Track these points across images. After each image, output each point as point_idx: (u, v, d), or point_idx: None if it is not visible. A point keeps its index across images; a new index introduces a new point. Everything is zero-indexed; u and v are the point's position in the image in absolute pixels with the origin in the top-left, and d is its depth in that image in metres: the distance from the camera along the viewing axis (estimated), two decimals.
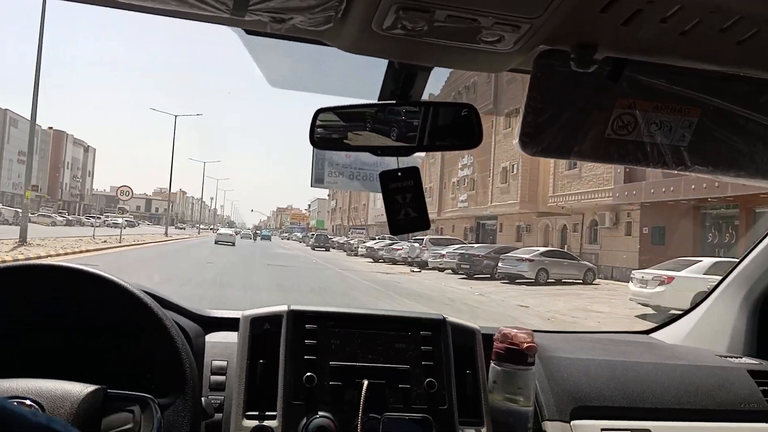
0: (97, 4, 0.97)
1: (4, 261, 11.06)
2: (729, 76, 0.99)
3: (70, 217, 59.63)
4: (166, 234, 53.34)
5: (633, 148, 1.04)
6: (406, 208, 1.18)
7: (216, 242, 42.75)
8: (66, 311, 1.30)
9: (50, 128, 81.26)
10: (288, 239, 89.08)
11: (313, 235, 62.77)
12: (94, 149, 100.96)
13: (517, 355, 1.38)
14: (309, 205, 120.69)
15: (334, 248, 50.55)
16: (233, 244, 42.66)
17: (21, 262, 1.29)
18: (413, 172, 1.19)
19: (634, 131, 1.03)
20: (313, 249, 48.68)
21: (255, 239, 69.79)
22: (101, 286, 1.27)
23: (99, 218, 57.20)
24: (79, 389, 1.09)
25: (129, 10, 0.97)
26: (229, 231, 51.38)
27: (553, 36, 0.91)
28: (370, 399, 1.33)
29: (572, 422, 1.49)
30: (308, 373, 1.36)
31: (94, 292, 1.28)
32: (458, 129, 1.19)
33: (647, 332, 2.22)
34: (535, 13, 0.84)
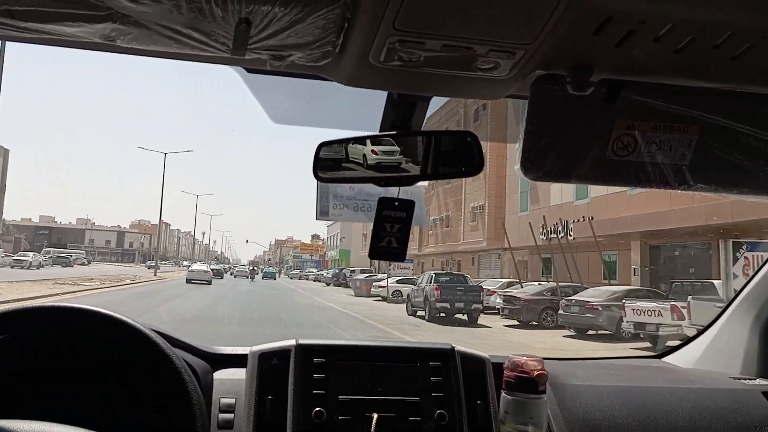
0: (100, 50, 0.99)
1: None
2: (726, 93, 1.00)
3: None
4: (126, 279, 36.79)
5: (634, 169, 1.04)
6: (391, 237, 1.20)
7: (188, 281, 36.10)
8: (75, 351, 1.29)
9: None
10: (300, 278, 68.52)
11: (337, 272, 49.83)
12: (6, 150, 64.13)
13: (528, 383, 1.36)
14: (321, 236, 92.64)
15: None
16: (209, 283, 36.38)
17: (31, 305, 1.29)
18: (409, 206, 1.21)
19: (634, 152, 1.03)
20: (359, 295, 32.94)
21: (253, 278, 54.54)
22: (110, 325, 1.26)
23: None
24: None
25: (130, 54, 0.99)
26: (203, 267, 42.58)
27: (549, 60, 0.91)
28: None
29: None
30: (317, 408, 1.34)
31: (102, 332, 1.27)
32: (460, 156, 1.20)
33: (659, 356, 2.19)
34: (529, 39, 0.85)
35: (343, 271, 48.03)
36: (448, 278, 23.04)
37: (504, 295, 21.24)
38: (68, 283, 26.62)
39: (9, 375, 1.26)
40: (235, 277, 59.53)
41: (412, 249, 44.18)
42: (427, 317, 20.73)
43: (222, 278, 50.71)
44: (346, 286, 41.43)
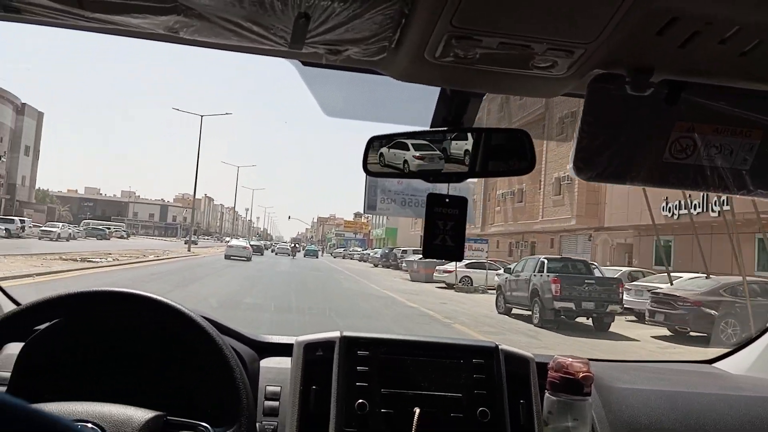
0: (164, 41, 1.02)
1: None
2: None
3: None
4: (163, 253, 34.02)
5: (692, 173, 1.02)
6: (445, 235, 1.20)
7: (226, 257, 33.97)
8: (129, 336, 1.34)
9: None
10: (343, 257, 62.39)
11: (386, 252, 44.63)
12: (40, 114, 57.85)
13: (573, 384, 1.34)
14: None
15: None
16: (248, 259, 34.08)
17: (85, 290, 1.33)
18: (461, 202, 1.20)
19: (693, 155, 1.01)
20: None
21: (294, 255, 52.56)
22: (162, 311, 1.30)
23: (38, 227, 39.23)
24: (141, 415, 1.12)
25: (192, 45, 1.02)
26: (242, 243, 39.89)
27: (608, 60, 0.90)
28: (421, 427, 1.31)
29: None
30: (360, 400, 1.36)
31: (155, 318, 1.31)
32: (511, 154, 1.19)
33: (710, 362, 2.13)
34: (589, 38, 0.84)
35: (393, 251, 43.35)
36: (567, 266, 16.61)
37: (654, 294, 14.26)
38: (75, 259, 21.96)
39: (64, 358, 1.32)
40: (276, 254, 54.74)
41: (473, 229, 40.88)
42: (537, 321, 14.45)
43: (262, 255, 47.69)
44: (397, 267, 37.66)
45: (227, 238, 56.75)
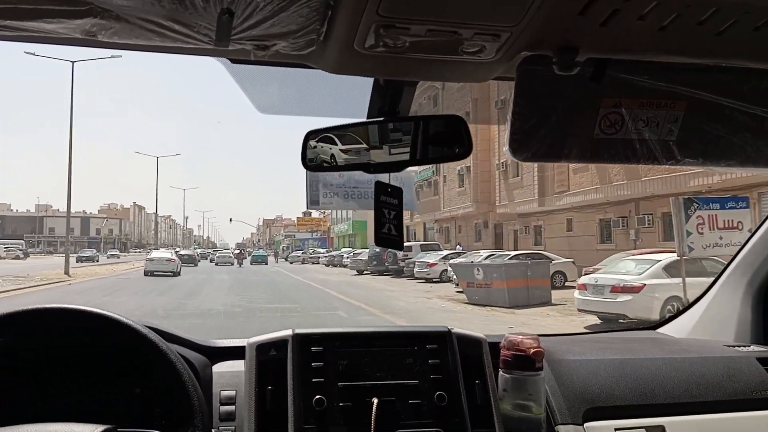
0: (82, 46, 0.98)
1: None
2: (711, 68, 1.00)
3: None
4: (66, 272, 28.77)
5: (622, 147, 1.05)
6: (390, 224, 1.21)
7: (146, 273, 28.63)
8: (71, 352, 1.29)
9: None
10: (303, 262, 52.05)
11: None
12: None
13: (525, 361, 1.38)
14: (315, 213, 69.29)
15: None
16: (175, 274, 28.74)
17: (23, 308, 1.28)
18: (398, 193, 1.22)
19: (621, 129, 1.04)
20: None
21: (240, 263, 45.33)
22: (103, 324, 1.26)
23: None
24: (90, 430, 1.08)
25: (112, 48, 0.98)
26: (166, 254, 33.05)
27: (534, 41, 0.92)
28: (381, 417, 1.32)
29: (585, 424, 1.48)
30: (317, 396, 1.35)
31: (98, 331, 1.27)
32: (448, 140, 1.20)
33: (654, 328, 2.22)
34: (513, 21, 0.85)
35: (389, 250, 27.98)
36: None
37: None
38: None
39: (7, 378, 1.26)
40: (216, 264, 46.60)
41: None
42: None
43: (195, 266, 41.58)
44: (398, 273, 28.47)
45: (161, 249, 44.15)
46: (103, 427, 1.09)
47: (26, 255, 55.05)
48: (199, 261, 47.36)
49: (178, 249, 54.25)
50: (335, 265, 41.82)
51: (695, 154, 1.07)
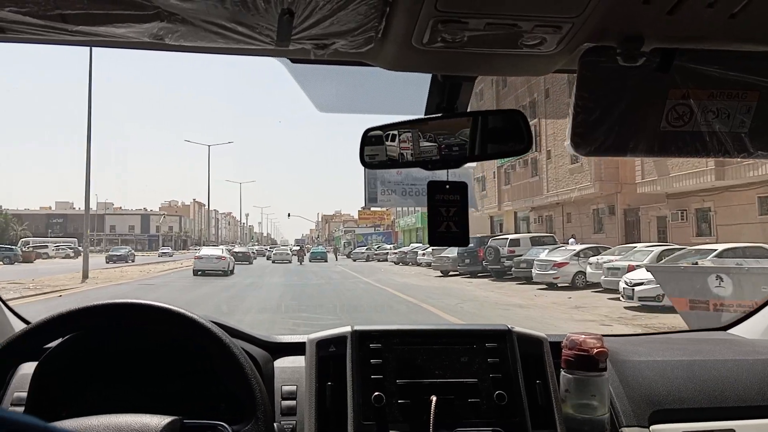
0: (150, 49, 1.02)
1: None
2: None
3: None
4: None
5: (691, 139, 1.01)
6: (449, 222, 1.20)
7: (195, 272, 26.44)
8: (140, 347, 1.35)
9: None
10: (367, 259, 46.50)
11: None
12: None
13: (588, 361, 1.34)
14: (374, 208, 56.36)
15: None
16: (226, 273, 26.60)
17: (94, 303, 1.32)
18: (461, 187, 1.20)
19: (690, 121, 1.00)
20: None
21: (301, 261, 41.26)
22: (171, 319, 1.31)
23: None
24: (157, 422, 1.12)
25: (179, 51, 1.01)
26: (215, 252, 29.72)
27: (597, 33, 0.89)
28: (440, 415, 1.31)
29: (651, 427, 1.43)
30: (376, 393, 1.36)
31: (164, 326, 1.32)
32: (508, 136, 1.19)
33: (724, 328, 2.13)
34: (576, 12, 0.83)
35: (492, 244, 23.76)
36: None
37: None
38: None
39: (78, 374, 1.33)
40: (273, 262, 42.70)
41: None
42: None
43: (250, 264, 38.12)
44: (501, 275, 22.41)
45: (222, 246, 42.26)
46: (170, 419, 1.13)
47: (77, 254, 50.18)
48: (255, 258, 44.96)
49: (232, 246, 52.41)
50: (406, 263, 36.05)
51: None
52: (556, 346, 1.46)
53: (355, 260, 47.27)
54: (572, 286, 18.07)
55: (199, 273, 26.32)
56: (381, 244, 54.81)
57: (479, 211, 36.51)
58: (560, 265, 18.78)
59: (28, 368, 1.37)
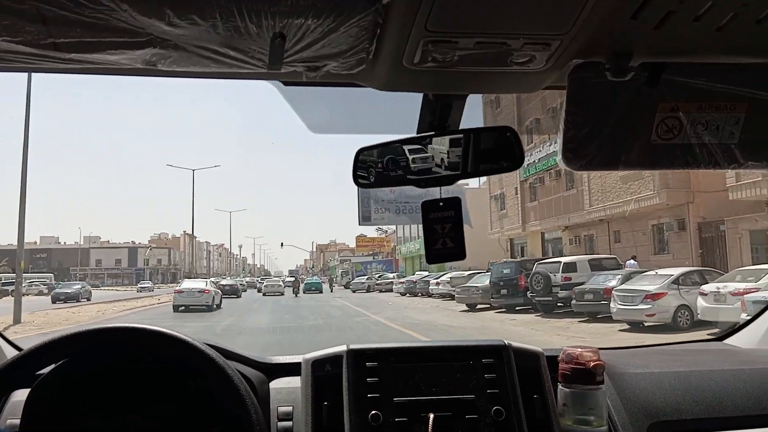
0: (142, 75, 1.03)
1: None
2: None
3: None
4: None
5: (681, 152, 1.03)
6: (444, 238, 1.21)
7: (176, 308, 23.98)
8: (134, 371, 1.33)
9: None
10: (368, 290, 41.76)
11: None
12: None
13: (585, 374, 1.34)
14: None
15: None
16: (210, 308, 24.11)
17: (86, 328, 1.31)
18: (455, 203, 1.21)
19: (680, 134, 1.01)
20: None
21: (296, 293, 37.82)
22: (164, 342, 1.30)
23: None
24: None
25: (171, 76, 1.02)
26: (198, 285, 26.41)
27: (586, 49, 0.91)
28: None
29: None
30: (373, 412, 1.35)
31: (156, 348, 1.31)
32: (500, 152, 1.20)
33: (720, 339, 2.13)
34: (564, 29, 0.85)
35: (540, 270, 18.60)
36: None
37: None
38: None
39: (71, 399, 1.31)
40: (264, 295, 39.54)
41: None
42: None
43: (238, 297, 35.58)
44: (549, 309, 17.81)
45: (212, 279, 37.37)
46: None
47: (51, 290, 44.71)
48: (244, 290, 42.12)
49: (219, 279, 48.28)
50: (415, 294, 30.90)
51: (759, 157, 1.04)
52: (552, 361, 1.46)
53: (354, 291, 42.61)
54: (673, 326, 13.25)
55: (181, 309, 23.77)
56: (382, 272, 50.73)
57: (492, 233, 32.33)
58: (655, 296, 13.61)
59: (20, 395, 1.35)
